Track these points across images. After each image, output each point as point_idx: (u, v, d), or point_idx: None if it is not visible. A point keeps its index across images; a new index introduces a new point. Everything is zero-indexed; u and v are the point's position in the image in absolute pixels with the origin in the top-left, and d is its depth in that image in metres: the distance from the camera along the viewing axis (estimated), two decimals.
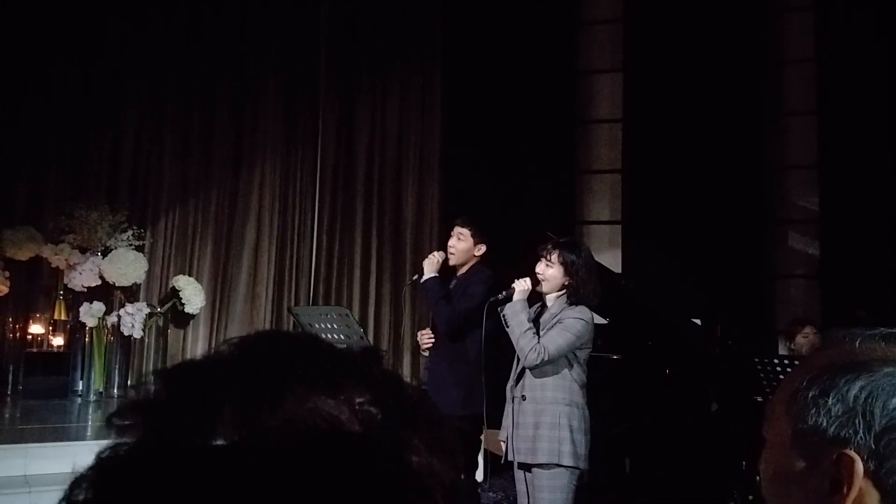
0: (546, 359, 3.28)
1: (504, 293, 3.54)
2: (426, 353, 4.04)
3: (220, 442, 0.45)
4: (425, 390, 0.55)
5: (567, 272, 3.42)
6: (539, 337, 3.34)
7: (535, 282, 3.50)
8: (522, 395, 3.38)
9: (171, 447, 0.45)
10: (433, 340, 3.95)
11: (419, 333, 4.07)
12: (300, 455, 0.44)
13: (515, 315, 3.40)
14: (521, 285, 3.49)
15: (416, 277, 4.10)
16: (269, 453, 0.44)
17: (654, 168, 7.24)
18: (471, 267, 4.01)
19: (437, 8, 7.48)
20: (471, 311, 3.84)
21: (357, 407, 0.47)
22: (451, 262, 4.01)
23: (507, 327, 3.46)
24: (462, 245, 3.98)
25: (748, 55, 7.19)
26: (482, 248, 4.02)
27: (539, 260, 3.49)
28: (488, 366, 3.76)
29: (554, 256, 3.45)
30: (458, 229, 4.03)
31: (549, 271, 3.45)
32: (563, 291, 3.45)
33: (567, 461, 3.28)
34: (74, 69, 6.46)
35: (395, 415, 0.48)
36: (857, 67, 6.86)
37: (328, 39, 7.32)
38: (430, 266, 3.97)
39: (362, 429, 0.47)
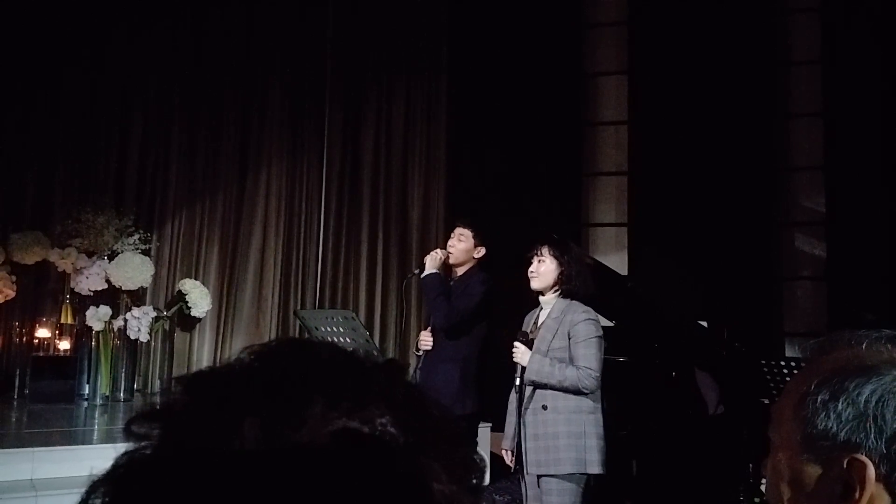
0: (597, 376, 3.30)
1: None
2: (419, 354, 4.04)
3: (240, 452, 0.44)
4: (447, 406, 0.55)
5: (560, 264, 3.46)
6: (569, 362, 3.32)
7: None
8: (543, 405, 3.35)
9: (190, 454, 0.45)
10: (431, 342, 3.96)
11: (421, 334, 4.08)
12: (318, 475, 0.44)
13: (539, 364, 3.35)
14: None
15: (416, 272, 4.12)
16: (288, 470, 0.44)
17: (660, 170, 7.23)
18: (469, 269, 4.05)
19: (442, 11, 7.48)
20: (468, 311, 3.87)
21: (379, 428, 0.47)
22: (451, 261, 4.04)
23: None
24: (462, 245, 4.02)
25: (754, 57, 7.17)
26: (482, 251, 4.05)
27: (530, 263, 3.52)
28: (491, 368, 3.77)
29: (544, 251, 3.49)
30: (459, 230, 4.07)
31: (542, 266, 3.48)
32: (557, 289, 3.47)
33: (594, 469, 3.27)
34: (82, 74, 6.48)
35: (417, 437, 0.48)
36: (863, 69, 6.84)
37: (334, 43, 7.33)
38: (432, 262, 4.00)
39: (383, 452, 0.46)
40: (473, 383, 3.93)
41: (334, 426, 0.46)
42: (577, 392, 3.29)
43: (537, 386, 3.36)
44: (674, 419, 4.91)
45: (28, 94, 6.33)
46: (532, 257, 3.52)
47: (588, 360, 3.30)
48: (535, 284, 3.50)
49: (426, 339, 3.97)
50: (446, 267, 4.10)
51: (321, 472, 0.44)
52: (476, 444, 4.17)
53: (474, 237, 4.03)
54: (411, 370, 4.07)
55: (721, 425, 4.94)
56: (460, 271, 4.06)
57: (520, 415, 3.43)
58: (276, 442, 0.44)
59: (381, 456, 0.46)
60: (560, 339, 3.37)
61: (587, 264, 3.66)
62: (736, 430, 4.84)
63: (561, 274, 3.46)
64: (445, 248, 4.09)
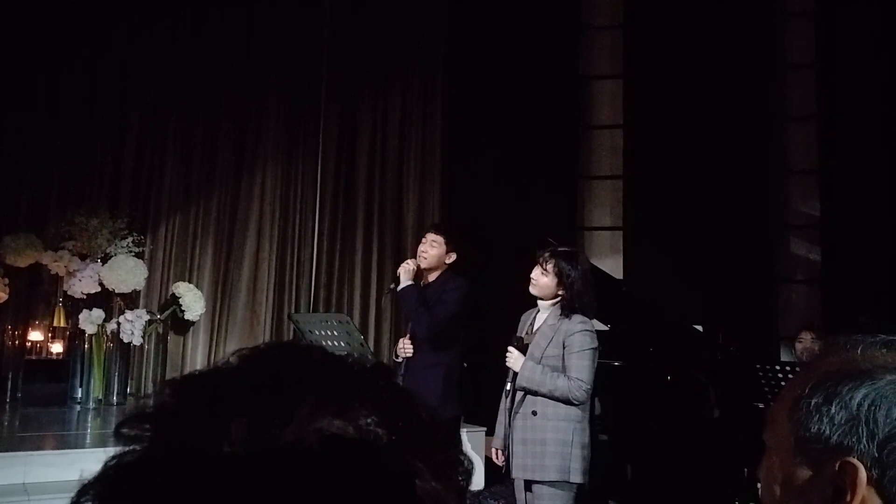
0: (588, 388, 3.29)
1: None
2: (399, 361, 4.05)
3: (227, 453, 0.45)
4: (437, 410, 0.56)
5: (561, 283, 3.40)
6: (561, 372, 3.32)
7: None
8: (533, 411, 3.35)
9: (178, 456, 0.45)
10: (412, 349, 3.98)
11: (400, 341, 4.09)
12: (304, 474, 0.44)
13: (531, 372, 3.35)
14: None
15: (393, 286, 4.14)
16: (274, 470, 0.44)
17: (656, 174, 7.24)
18: (441, 274, 4.09)
19: (440, 14, 7.49)
20: (447, 318, 3.92)
21: (364, 428, 0.47)
22: (423, 267, 4.07)
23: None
24: (434, 252, 4.05)
25: (749, 61, 7.19)
26: (453, 257, 4.09)
27: (536, 265, 3.48)
28: (486, 371, 3.77)
29: (549, 266, 3.41)
30: (431, 236, 4.11)
31: (543, 279, 3.43)
32: (558, 300, 3.44)
33: (576, 478, 3.27)
34: (77, 74, 6.48)
35: (402, 437, 0.48)
36: (858, 73, 6.86)
37: (331, 46, 7.33)
38: (407, 274, 4.03)
39: (367, 452, 0.46)
40: (456, 388, 4.00)
41: (320, 426, 0.46)
42: (566, 402, 3.29)
43: (528, 392, 3.36)
44: (669, 423, 4.91)
45: (26, 96, 6.32)
46: (537, 262, 3.48)
47: (580, 372, 3.29)
48: (532, 291, 3.49)
49: (406, 346, 3.99)
50: (418, 273, 4.12)
51: (307, 472, 0.44)
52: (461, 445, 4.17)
53: (446, 243, 4.07)
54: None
55: (716, 429, 4.94)
56: (432, 277, 4.10)
57: (509, 419, 3.43)
58: (263, 443, 0.45)
59: (366, 455, 0.46)
60: (555, 347, 3.35)
61: (593, 282, 3.56)
62: (731, 433, 4.85)
63: (563, 295, 3.40)
64: (417, 257, 4.12)
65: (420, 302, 3.95)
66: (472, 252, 4.32)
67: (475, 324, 4.09)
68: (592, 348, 3.34)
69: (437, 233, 4.12)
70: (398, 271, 4.09)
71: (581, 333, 3.33)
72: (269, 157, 7.09)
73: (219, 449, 0.44)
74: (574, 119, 7.73)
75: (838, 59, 7.01)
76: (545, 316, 3.46)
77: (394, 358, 4.18)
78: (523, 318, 3.63)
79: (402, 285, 4.01)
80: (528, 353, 3.39)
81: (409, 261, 4.11)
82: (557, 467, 3.25)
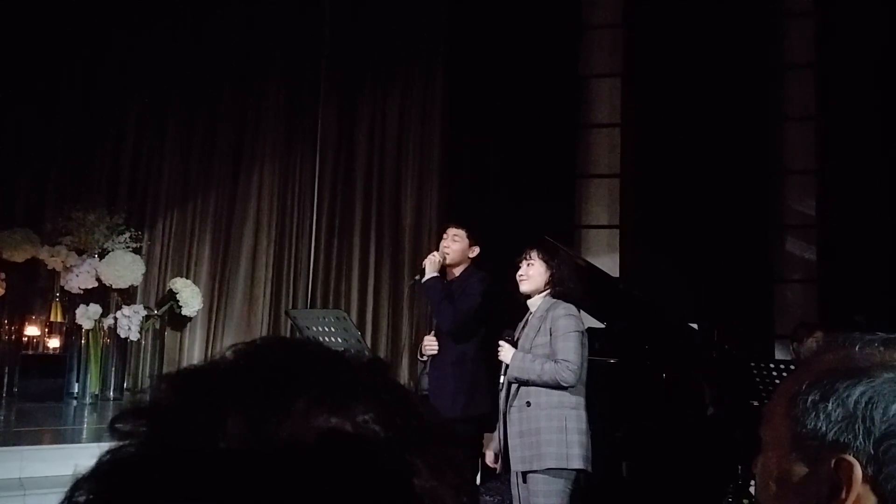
0: (575, 368, 3.30)
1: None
2: (424, 360, 4.02)
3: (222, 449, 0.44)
4: (433, 405, 0.56)
5: (549, 267, 3.50)
6: (550, 357, 3.33)
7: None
8: (527, 402, 3.36)
9: (173, 451, 0.45)
10: (437, 347, 3.95)
11: (425, 339, 4.05)
12: (301, 470, 0.44)
13: (521, 361, 3.37)
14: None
15: (417, 277, 4.11)
16: (271, 465, 0.44)
17: (653, 172, 7.24)
18: (465, 269, 4.05)
19: (440, 14, 7.48)
20: (472, 312, 3.87)
21: (361, 424, 0.47)
22: (447, 262, 4.04)
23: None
24: (458, 245, 4.03)
25: (748, 61, 7.19)
26: (476, 250, 4.08)
27: (518, 267, 3.54)
28: (489, 368, 3.76)
29: (533, 254, 3.52)
30: (452, 230, 4.08)
31: (532, 269, 3.51)
32: (546, 291, 3.48)
33: (576, 464, 3.27)
34: (77, 72, 6.48)
35: (400, 434, 0.48)
36: (857, 73, 6.87)
37: (330, 44, 7.33)
38: (432, 266, 4.00)
39: (364, 448, 0.46)
40: (483, 383, 3.93)
41: (317, 422, 0.46)
42: (556, 386, 3.30)
43: (521, 383, 3.38)
44: (663, 420, 4.92)
45: (26, 93, 6.31)
46: (521, 261, 3.53)
47: (566, 354, 3.31)
48: (525, 287, 3.52)
49: (431, 344, 3.96)
50: (442, 268, 4.09)
51: (303, 468, 0.44)
52: (483, 445, 4.15)
53: (468, 237, 4.04)
54: (418, 375, 4.06)
55: (711, 427, 4.95)
56: (457, 272, 4.06)
57: (504, 412, 3.44)
58: (259, 439, 0.45)
59: (362, 452, 0.46)
60: (542, 335, 3.40)
61: (576, 267, 3.66)
62: (726, 431, 4.86)
63: (551, 276, 3.48)
64: (439, 250, 4.09)
65: (444, 295, 3.92)
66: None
67: (492, 321, 4.04)
68: (578, 331, 3.37)
69: (458, 226, 4.09)
70: (423, 263, 4.04)
71: (565, 318, 3.38)
72: (267, 155, 7.08)
73: (214, 445, 0.44)
74: (572, 117, 7.72)
75: (838, 59, 7.01)
76: (534, 310, 3.51)
77: (418, 356, 4.15)
78: (519, 325, 3.65)
79: (427, 276, 3.97)
80: (518, 346, 3.44)
81: (435, 253, 4.07)
82: (554, 455, 3.26)
